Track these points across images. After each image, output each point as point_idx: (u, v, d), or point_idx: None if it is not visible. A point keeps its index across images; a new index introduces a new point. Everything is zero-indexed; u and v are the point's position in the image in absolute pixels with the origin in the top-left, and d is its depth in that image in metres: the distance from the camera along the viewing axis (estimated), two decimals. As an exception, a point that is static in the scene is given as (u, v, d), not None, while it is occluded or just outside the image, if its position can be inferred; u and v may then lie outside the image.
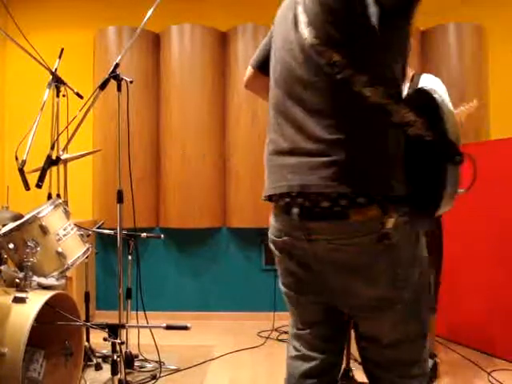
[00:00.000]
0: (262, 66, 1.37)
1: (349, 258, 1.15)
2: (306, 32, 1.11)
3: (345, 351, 1.44)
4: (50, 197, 2.75)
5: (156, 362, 2.69)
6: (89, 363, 2.64)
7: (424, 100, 1.12)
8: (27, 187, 2.10)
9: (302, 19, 1.13)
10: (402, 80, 1.15)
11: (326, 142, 1.09)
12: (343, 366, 2.02)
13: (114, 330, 2.07)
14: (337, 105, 1.09)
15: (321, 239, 1.16)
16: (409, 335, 1.22)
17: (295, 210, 1.17)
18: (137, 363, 2.71)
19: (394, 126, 1.09)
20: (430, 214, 1.17)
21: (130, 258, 2.72)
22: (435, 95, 1.11)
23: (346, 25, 1.05)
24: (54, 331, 2.15)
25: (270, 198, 1.28)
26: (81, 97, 2.72)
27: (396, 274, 1.15)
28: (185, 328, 2.12)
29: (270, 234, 1.32)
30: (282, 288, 1.37)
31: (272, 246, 1.33)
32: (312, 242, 1.17)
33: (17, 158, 2.19)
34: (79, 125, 2.06)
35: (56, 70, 2.72)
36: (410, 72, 2.52)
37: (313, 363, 1.34)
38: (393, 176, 1.11)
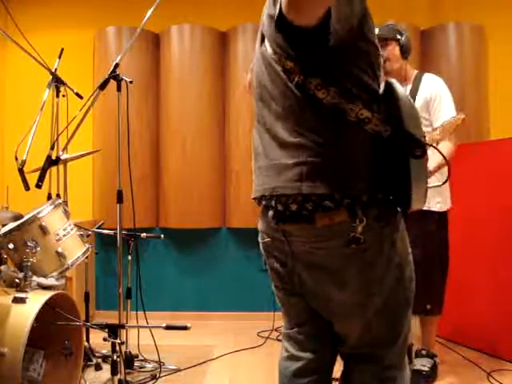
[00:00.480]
0: None
1: (321, 261, 1.17)
2: (266, 43, 1.19)
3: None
4: (49, 197, 2.75)
5: (156, 362, 2.69)
6: (89, 363, 2.64)
7: (386, 91, 1.12)
8: (27, 187, 2.10)
9: (263, 30, 1.22)
10: (370, 77, 1.13)
11: (290, 145, 1.12)
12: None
13: (113, 330, 2.07)
14: (296, 109, 1.12)
15: (296, 241, 1.20)
16: (382, 340, 1.23)
17: (270, 213, 1.21)
18: (137, 363, 2.71)
19: (353, 126, 1.09)
20: (403, 213, 1.18)
21: (129, 257, 2.72)
22: (394, 85, 1.11)
23: (291, 34, 1.08)
24: (53, 331, 2.15)
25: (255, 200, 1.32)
26: (81, 97, 2.72)
27: (368, 278, 1.16)
28: (185, 328, 2.12)
29: (258, 236, 1.36)
30: (273, 288, 1.39)
31: (260, 248, 1.37)
32: (290, 243, 1.21)
33: (17, 158, 2.19)
34: (79, 125, 2.05)
35: (56, 70, 2.72)
36: (411, 72, 2.52)
37: (302, 363, 1.34)
38: (358, 177, 1.10)
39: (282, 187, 1.14)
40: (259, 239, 1.35)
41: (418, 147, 1.07)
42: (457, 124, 2.17)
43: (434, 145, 1.23)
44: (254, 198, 1.30)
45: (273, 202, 1.19)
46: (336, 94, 1.08)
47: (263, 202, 1.24)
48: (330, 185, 1.09)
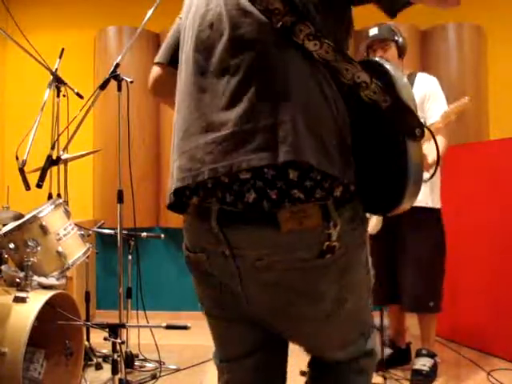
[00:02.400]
0: None
1: (285, 279, 0.92)
2: None
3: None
4: (50, 197, 2.75)
5: (156, 361, 2.69)
6: (89, 363, 2.64)
7: (373, 69, 0.92)
8: (27, 187, 2.10)
9: None
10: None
11: (261, 106, 0.88)
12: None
13: (114, 330, 2.07)
14: (274, 61, 0.90)
15: (247, 254, 0.91)
16: (345, 340, 1.08)
17: (212, 211, 0.92)
18: (137, 363, 2.71)
19: (344, 90, 0.91)
20: (386, 212, 0.99)
21: (130, 257, 2.72)
22: (385, 64, 0.94)
23: None
24: (54, 331, 2.15)
25: (176, 199, 1.00)
26: (81, 97, 2.72)
27: (341, 287, 0.96)
28: (185, 328, 2.12)
29: (184, 248, 1.06)
30: (204, 313, 1.14)
31: (186, 264, 1.07)
32: (237, 257, 0.92)
33: (17, 158, 2.19)
34: (79, 125, 2.06)
35: (56, 70, 2.73)
36: (406, 72, 2.53)
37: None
38: (337, 156, 0.88)
39: (244, 160, 0.85)
40: (185, 252, 1.05)
41: (418, 125, 0.88)
42: (462, 108, 2.21)
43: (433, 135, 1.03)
44: (176, 193, 0.97)
45: (217, 193, 0.90)
46: (330, 49, 0.89)
47: (194, 198, 0.94)
48: (313, 155, 0.85)
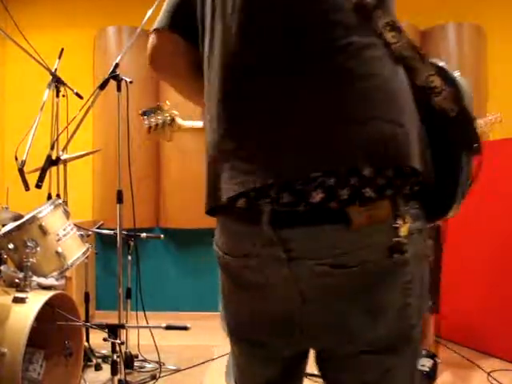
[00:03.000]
0: None
1: (346, 285, 0.81)
2: None
3: None
4: (49, 197, 2.75)
5: (156, 362, 2.69)
6: (89, 363, 2.64)
7: (440, 74, 0.84)
8: (27, 187, 2.10)
9: None
10: None
11: (342, 99, 0.78)
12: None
13: (113, 330, 2.06)
14: (352, 46, 0.79)
15: (305, 258, 0.80)
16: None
17: (265, 211, 0.80)
18: (136, 363, 2.71)
19: (415, 93, 0.83)
20: (436, 218, 0.90)
21: (129, 258, 2.72)
22: (451, 71, 0.87)
23: None
24: (53, 331, 2.15)
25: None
26: (80, 97, 2.72)
27: (407, 304, 0.83)
28: (185, 328, 2.12)
29: (220, 254, 0.94)
30: (231, 335, 0.98)
31: (223, 273, 0.95)
32: (293, 262, 0.81)
33: (17, 158, 2.19)
34: (79, 125, 2.06)
35: (56, 70, 2.72)
36: None
37: None
38: (417, 155, 0.80)
39: (331, 157, 0.76)
40: (226, 258, 0.92)
41: (476, 140, 0.84)
42: (492, 123, 2.23)
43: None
44: (233, 197, 0.83)
45: (271, 192, 0.79)
46: (407, 44, 0.81)
47: (241, 200, 0.82)
48: (388, 157, 0.77)
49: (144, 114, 1.77)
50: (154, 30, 1.00)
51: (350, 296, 0.81)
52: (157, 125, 1.73)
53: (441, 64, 0.88)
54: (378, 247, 0.79)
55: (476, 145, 0.84)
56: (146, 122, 1.74)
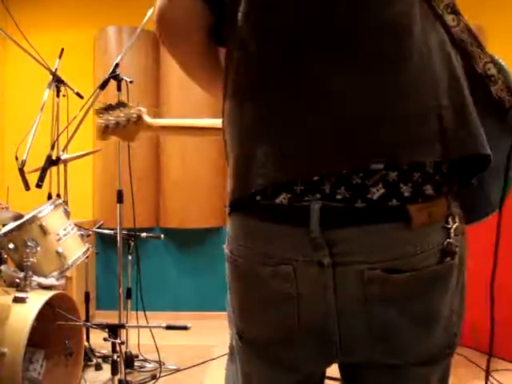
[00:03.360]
0: None
1: (397, 292, 0.72)
2: None
3: None
4: (50, 197, 2.75)
5: (156, 362, 2.69)
6: (89, 363, 2.64)
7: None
8: (27, 187, 2.10)
9: None
10: None
11: (408, 83, 0.71)
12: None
13: (113, 330, 2.07)
14: (414, 25, 0.72)
15: (355, 263, 0.70)
16: None
17: (314, 209, 0.69)
18: (137, 363, 2.71)
19: (471, 81, 0.76)
20: (469, 222, 0.85)
21: (130, 257, 2.72)
22: (499, 60, 0.81)
23: None
24: (54, 331, 2.15)
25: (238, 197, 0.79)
26: (81, 97, 2.73)
27: (452, 311, 0.80)
28: (185, 328, 2.12)
29: (238, 261, 0.80)
30: (242, 346, 0.84)
31: (241, 284, 0.83)
32: (337, 268, 0.71)
33: (17, 158, 2.19)
34: (79, 125, 2.06)
35: (56, 70, 2.73)
36: None
37: None
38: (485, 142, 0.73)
39: (408, 147, 0.68)
40: (239, 272, 0.81)
41: None
42: None
43: None
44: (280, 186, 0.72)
45: (325, 187, 0.70)
46: (466, 28, 0.76)
47: (283, 195, 0.72)
48: (453, 148, 0.70)
49: (101, 111, 1.50)
50: None
51: (399, 305, 0.72)
52: (118, 123, 1.44)
53: (489, 53, 0.82)
54: (433, 250, 0.72)
55: None
56: (103, 121, 1.44)
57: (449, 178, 0.73)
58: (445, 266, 0.73)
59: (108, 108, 1.51)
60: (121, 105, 1.51)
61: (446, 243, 0.72)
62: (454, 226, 0.73)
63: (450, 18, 0.75)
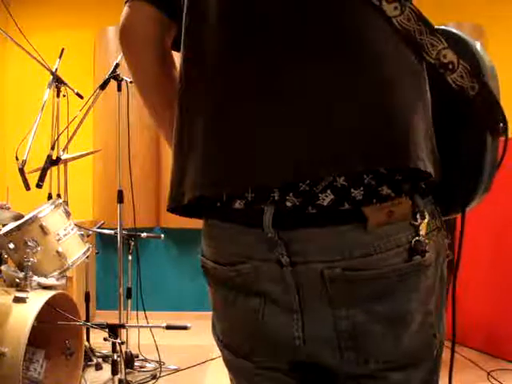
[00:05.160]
0: None
1: (361, 291, 0.70)
2: None
3: None
4: (50, 197, 2.75)
5: (156, 361, 2.69)
6: (89, 363, 2.64)
7: (454, 46, 0.72)
8: (27, 187, 2.10)
9: None
10: None
11: (334, 86, 0.68)
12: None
13: (114, 330, 2.07)
14: (345, 25, 0.69)
15: (313, 262, 0.69)
16: None
17: (267, 215, 0.69)
18: (137, 363, 2.71)
19: (427, 70, 0.72)
20: (455, 210, 0.81)
21: (130, 257, 2.72)
22: (469, 40, 0.76)
23: None
24: (54, 331, 2.15)
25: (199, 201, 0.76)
26: (81, 97, 2.73)
27: (429, 312, 0.74)
28: (185, 328, 2.12)
29: (208, 265, 0.81)
30: (224, 352, 0.88)
31: (213, 287, 0.82)
32: (296, 267, 0.70)
33: (17, 158, 2.19)
34: (79, 125, 2.06)
35: (56, 70, 2.73)
36: None
37: None
38: (421, 147, 0.69)
39: (333, 161, 0.66)
40: (213, 265, 0.79)
41: (503, 120, 0.72)
42: None
43: None
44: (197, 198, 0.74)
45: (274, 194, 0.70)
46: (413, 16, 0.68)
47: (238, 202, 0.73)
48: (401, 153, 0.67)
49: None
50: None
51: (365, 306, 0.69)
52: None
53: (455, 32, 0.77)
54: (398, 248, 0.69)
55: (502, 125, 0.72)
56: None
57: (412, 175, 0.70)
58: (414, 265, 0.69)
59: None
60: None
61: (414, 241, 0.69)
62: (424, 223, 0.70)
63: (390, 8, 0.68)
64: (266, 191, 0.70)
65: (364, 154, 0.66)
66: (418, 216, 0.69)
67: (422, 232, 0.70)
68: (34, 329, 1.84)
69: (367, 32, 0.68)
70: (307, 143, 0.66)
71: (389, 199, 0.68)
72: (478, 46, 0.75)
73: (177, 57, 0.84)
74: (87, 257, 2.41)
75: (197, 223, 0.87)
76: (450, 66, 0.70)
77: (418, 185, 0.71)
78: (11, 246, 2.08)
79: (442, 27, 0.75)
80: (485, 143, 0.72)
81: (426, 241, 0.70)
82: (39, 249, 2.09)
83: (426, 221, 0.71)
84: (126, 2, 0.83)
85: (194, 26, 0.77)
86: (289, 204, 0.69)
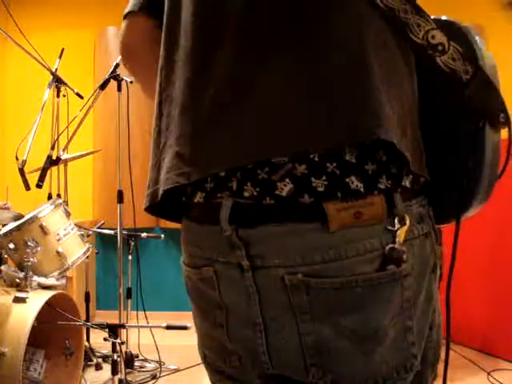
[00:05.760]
0: None
1: (325, 301, 0.62)
2: None
3: None
4: (50, 197, 2.75)
5: (156, 361, 2.69)
6: (89, 363, 2.64)
7: (447, 30, 0.67)
8: (27, 187, 2.10)
9: None
10: None
11: (300, 74, 0.63)
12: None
13: (114, 330, 2.07)
14: (318, 5, 0.63)
15: (273, 266, 0.63)
16: None
17: (225, 206, 0.65)
18: (137, 363, 2.71)
19: (414, 52, 0.68)
20: (443, 221, 0.72)
21: (130, 257, 2.72)
22: (462, 25, 0.72)
23: None
24: (54, 331, 2.15)
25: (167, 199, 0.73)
26: (81, 97, 2.73)
27: (406, 328, 0.65)
28: (185, 328, 2.12)
29: (182, 268, 0.80)
30: (204, 359, 0.81)
31: (186, 288, 0.82)
32: (258, 270, 0.64)
33: (17, 158, 2.19)
34: (79, 125, 2.06)
35: (56, 70, 2.73)
36: None
37: None
38: (406, 139, 0.64)
39: (283, 142, 0.61)
40: (186, 269, 0.78)
41: (503, 109, 0.65)
42: None
43: None
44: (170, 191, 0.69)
45: (232, 184, 0.64)
46: None
47: (199, 194, 0.68)
48: (394, 131, 0.60)
49: None
50: (130, 12, 0.83)
51: (329, 317, 0.62)
52: None
53: (447, 18, 0.73)
54: (368, 255, 0.61)
55: (502, 114, 0.64)
56: None
57: (391, 169, 0.62)
58: (386, 275, 0.61)
59: None
60: None
61: (388, 248, 0.61)
62: (404, 229, 0.62)
63: None
64: (225, 180, 0.65)
65: (321, 133, 0.60)
66: (395, 221, 0.62)
67: (400, 239, 0.61)
68: (34, 329, 1.84)
69: (332, 13, 0.63)
70: (257, 128, 0.62)
71: (358, 196, 0.60)
72: (476, 37, 0.69)
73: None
74: (87, 257, 2.41)
75: (197, 223, 0.86)
76: (440, 48, 0.64)
77: (399, 181, 0.63)
78: (11, 245, 2.08)
79: (437, 17, 0.71)
80: (483, 136, 0.65)
81: (404, 248, 0.61)
82: (39, 249, 2.09)
83: (405, 227, 0.62)
84: (124, 19, 0.83)
85: (168, 20, 0.75)
86: (246, 194, 0.63)
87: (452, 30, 0.69)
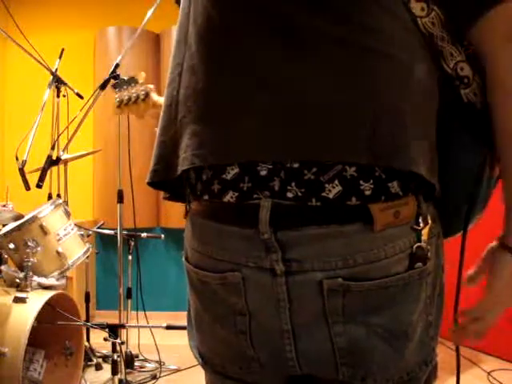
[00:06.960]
0: None
1: (361, 303, 0.63)
2: None
3: None
4: (50, 197, 2.75)
5: (156, 361, 2.69)
6: (89, 363, 2.64)
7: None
8: (27, 187, 2.10)
9: None
10: None
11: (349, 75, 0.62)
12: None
13: (114, 330, 2.07)
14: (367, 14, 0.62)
15: (310, 270, 0.62)
16: None
17: (264, 207, 0.61)
18: (137, 363, 2.71)
19: (440, 81, 0.67)
20: (454, 232, 0.79)
21: (130, 257, 2.72)
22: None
23: None
24: (54, 331, 2.15)
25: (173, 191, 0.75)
26: (81, 97, 2.73)
27: (429, 324, 0.70)
28: (185, 328, 2.11)
29: (189, 268, 0.78)
30: (205, 369, 0.83)
31: (193, 294, 0.80)
32: (291, 276, 0.63)
33: (17, 158, 2.19)
34: (79, 125, 2.06)
35: (56, 70, 2.73)
36: None
37: None
38: (431, 152, 0.66)
39: (333, 145, 0.60)
40: (199, 272, 0.74)
41: None
42: None
43: None
44: (190, 170, 0.69)
45: (274, 184, 0.62)
46: (437, 20, 0.63)
47: (230, 193, 0.65)
48: (409, 152, 0.61)
49: (115, 86, 1.55)
50: None
51: (366, 320, 0.63)
52: (129, 99, 1.45)
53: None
54: (401, 255, 0.62)
55: None
56: (117, 96, 1.47)
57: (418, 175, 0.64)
58: (416, 273, 0.64)
59: (121, 83, 1.53)
60: (132, 81, 1.53)
61: (415, 247, 0.63)
62: (426, 228, 0.64)
63: (418, 8, 0.62)
64: (266, 180, 0.62)
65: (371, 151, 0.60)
66: (420, 220, 0.64)
67: (424, 237, 0.64)
68: (33, 329, 1.84)
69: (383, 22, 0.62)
70: (304, 126, 0.61)
71: (396, 198, 0.61)
72: None
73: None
74: (87, 257, 2.41)
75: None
76: (466, 81, 0.66)
77: (423, 185, 0.65)
78: (11, 246, 2.08)
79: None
80: (485, 157, 0.70)
81: (428, 247, 0.64)
82: (39, 249, 2.09)
83: (427, 226, 0.65)
84: None
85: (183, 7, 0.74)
86: (290, 195, 0.61)
87: (474, 58, 0.69)
